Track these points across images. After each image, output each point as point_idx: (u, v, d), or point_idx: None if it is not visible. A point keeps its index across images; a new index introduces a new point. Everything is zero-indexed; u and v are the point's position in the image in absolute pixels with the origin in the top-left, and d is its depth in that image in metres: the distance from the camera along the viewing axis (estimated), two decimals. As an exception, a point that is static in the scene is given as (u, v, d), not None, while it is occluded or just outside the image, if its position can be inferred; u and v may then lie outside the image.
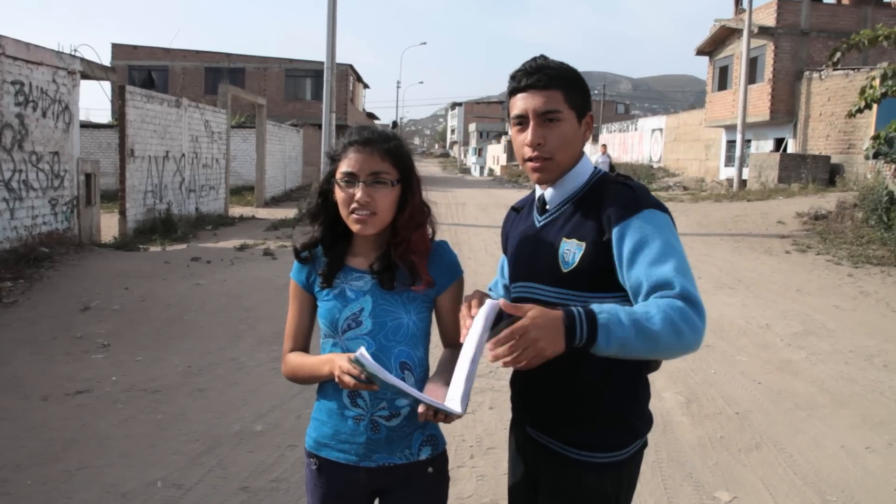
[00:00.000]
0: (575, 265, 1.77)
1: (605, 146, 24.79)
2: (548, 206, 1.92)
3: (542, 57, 1.87)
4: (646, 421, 1.89)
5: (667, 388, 5.41)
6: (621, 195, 1.76)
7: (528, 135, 1.83)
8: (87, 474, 3.91)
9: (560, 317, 1.52)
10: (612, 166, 21.80)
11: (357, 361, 1.62)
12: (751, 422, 4.83)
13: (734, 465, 4.17)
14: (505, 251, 2.11)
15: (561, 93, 1.81)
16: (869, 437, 4.60)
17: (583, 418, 1.82)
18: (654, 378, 6.08)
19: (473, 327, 1.63)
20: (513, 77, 1.87)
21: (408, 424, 1.90)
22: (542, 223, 1.92)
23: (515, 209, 2.12)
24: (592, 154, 25.79)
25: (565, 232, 1.82)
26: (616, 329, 1.51)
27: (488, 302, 1.66)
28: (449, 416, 1.63)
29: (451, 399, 1.64)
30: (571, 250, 1.78)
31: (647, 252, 1.65)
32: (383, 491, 1.95)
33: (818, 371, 5.91)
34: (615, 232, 1.70)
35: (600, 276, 1.75)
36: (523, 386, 1.96)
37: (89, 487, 3.76)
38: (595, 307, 1.56)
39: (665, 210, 1.77)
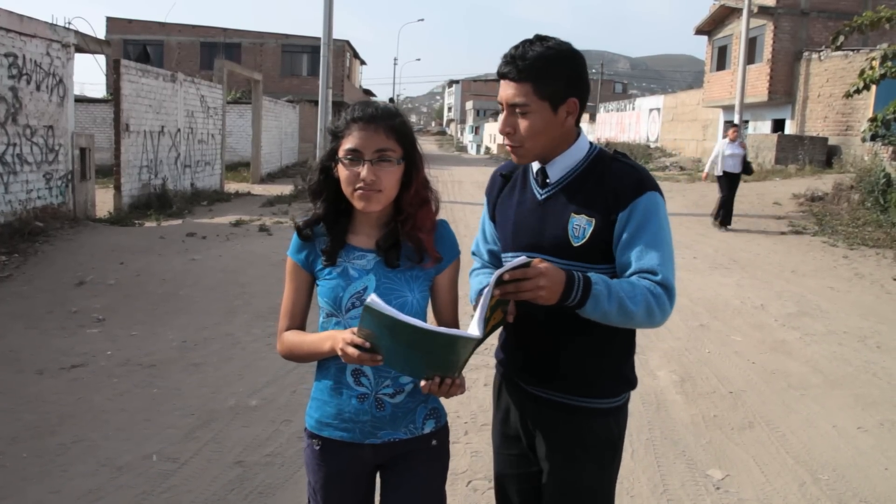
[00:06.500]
0: (586, 240, 1.87)
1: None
2: (549, 180, 1.96)
3: (528, 42, 1.86)
4: (635, 373, 2.09)
5: (661, 366, 5.43)
6: (626, 175, 1.88)
7: (500, 121, 1.93)
8: (82, 447, 3.92)
9: (564, 276, 1.72)
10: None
11: (369, 307, 1.56)
12: (744, 401, 4.86)
13: (727, 444, 4.20)
14: (492, 217, 2.14)
15: (530, 85, 1.83)
16: (861, 417, 4.64)
17: (591, 372, 1.96)
18: (649, 357, 6.04)
19: (499, 269, 1.69)
20: (501, 60, 1.92)
21: (411, 400, 1.90)
22: (544, 196, 1.97)
23: (504, 176, 2.11)
24: (585, 131, 24.84)
25: (573, 207, 1.90)
26: (603, 301, 1.74)
27: (521, 257, 1.71)
28: (451, 389, 1.68)
29: (471, 327, 1.63)
30: (581, 226, 1.88)
31: (642, 238, 1.83)
32: (386, 465, 1.95)
33: (812, 351, 5.94)
34: (621, 216, 1.84)
35: (606, 249, 1.88)
36: (527, 347, 2.01)
37: (85, 460, 3.77)
38: (593, 277, 1.76)
39: (661, 191, 1.91)
